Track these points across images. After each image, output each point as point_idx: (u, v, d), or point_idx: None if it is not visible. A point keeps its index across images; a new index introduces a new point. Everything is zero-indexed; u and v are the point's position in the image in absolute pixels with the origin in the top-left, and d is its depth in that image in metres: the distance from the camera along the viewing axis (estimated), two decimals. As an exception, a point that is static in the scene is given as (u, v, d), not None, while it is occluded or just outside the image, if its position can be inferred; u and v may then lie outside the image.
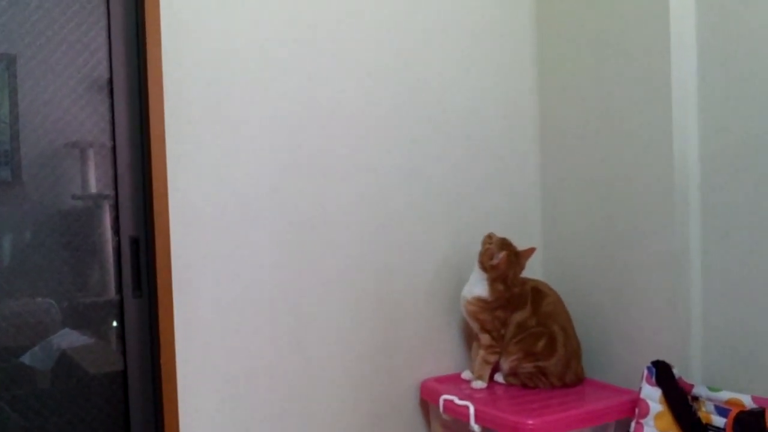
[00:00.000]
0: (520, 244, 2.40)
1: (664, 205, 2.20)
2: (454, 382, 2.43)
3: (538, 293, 2.38)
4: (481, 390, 2.33)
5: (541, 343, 2.32)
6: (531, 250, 2.38)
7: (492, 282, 2.32)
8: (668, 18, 2.15)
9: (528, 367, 2.34)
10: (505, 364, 2.38)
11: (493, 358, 2.37)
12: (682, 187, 2.18)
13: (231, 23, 2.12)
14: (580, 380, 2.37)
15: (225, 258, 2.11)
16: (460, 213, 2.54)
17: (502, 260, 2.30)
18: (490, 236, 2.39)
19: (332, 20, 2.28)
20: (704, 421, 2.00)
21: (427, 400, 2.41)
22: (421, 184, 2.46)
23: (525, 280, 2.39)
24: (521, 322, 2.35)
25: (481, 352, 2.38)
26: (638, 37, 2.26)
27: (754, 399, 1.94)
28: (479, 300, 2.35)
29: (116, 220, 2.01)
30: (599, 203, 2.44)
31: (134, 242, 2.03)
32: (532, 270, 2.48)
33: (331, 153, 2.28)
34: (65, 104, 1.96)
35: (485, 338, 2.36)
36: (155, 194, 1.99)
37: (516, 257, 2.35)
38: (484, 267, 2.34)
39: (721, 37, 2.10)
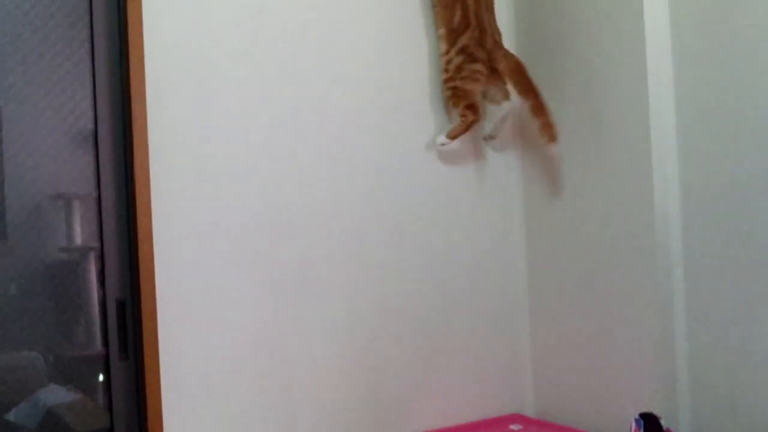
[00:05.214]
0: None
1: (647, 257, 2.21)
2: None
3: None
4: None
5: (456, 17, 2.36)
6: None
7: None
8: (646, 72, 2.17)
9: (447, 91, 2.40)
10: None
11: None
12: (664, 238, 2.19)
13: (216, 74, 2.13)
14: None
15: (211, 317, 2.10)
16: (445, 264, 2.53)
17: None
18: None
19: (320, 48, 2.30)
20: (693, 475, 2.01)
21: (417, 452, 2.39)
22: (403, 238, 2.45)
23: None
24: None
25: None
26: (617, 89, 2.27)
27: (741, 452, 1.95)
28: None
29: (102, 275, 2.00)
30: (583, 257, 2.43)
31: (120, 305, 2.02)
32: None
33: (313, 210, 2.28)
34: (51, 155, 1.95)
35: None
36: (141, 254, 1.97)
37: None
38: None
39: (700, 90, 2.12)
